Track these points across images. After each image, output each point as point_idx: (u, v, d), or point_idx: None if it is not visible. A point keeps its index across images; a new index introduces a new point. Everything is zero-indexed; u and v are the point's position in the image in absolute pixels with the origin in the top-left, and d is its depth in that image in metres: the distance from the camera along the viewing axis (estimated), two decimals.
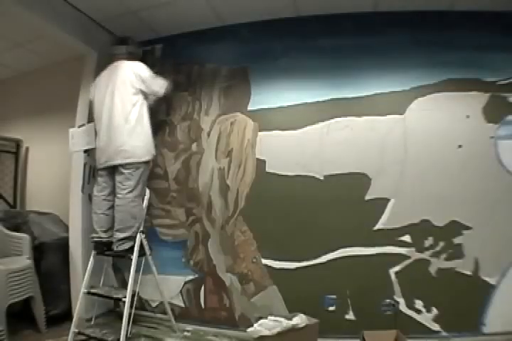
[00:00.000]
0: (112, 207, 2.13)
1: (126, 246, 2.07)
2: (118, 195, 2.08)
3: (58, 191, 2.86)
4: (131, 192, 2.07)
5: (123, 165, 2.07)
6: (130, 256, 2.07)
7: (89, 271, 2.14)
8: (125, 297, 1.97)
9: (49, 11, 2.18)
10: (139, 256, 2.11)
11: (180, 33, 2.70)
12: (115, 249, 2.09)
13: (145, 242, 2.17)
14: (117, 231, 2.07)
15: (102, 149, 2.14)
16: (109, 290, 2.19)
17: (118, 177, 2.10)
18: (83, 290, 2.11)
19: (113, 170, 2.14)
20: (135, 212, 2.09)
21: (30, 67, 3.33)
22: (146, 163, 2.18)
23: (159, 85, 2.26)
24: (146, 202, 2.27)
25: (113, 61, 2.26)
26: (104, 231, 2.14)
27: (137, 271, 2.08)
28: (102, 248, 2.15)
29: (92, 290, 2.13)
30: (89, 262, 2.17)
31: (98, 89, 2.22)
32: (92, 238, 2.17)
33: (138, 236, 2.11)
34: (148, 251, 2.21)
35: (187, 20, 2.54)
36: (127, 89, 2.11)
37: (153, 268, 2.25)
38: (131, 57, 2.29)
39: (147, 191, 2.31)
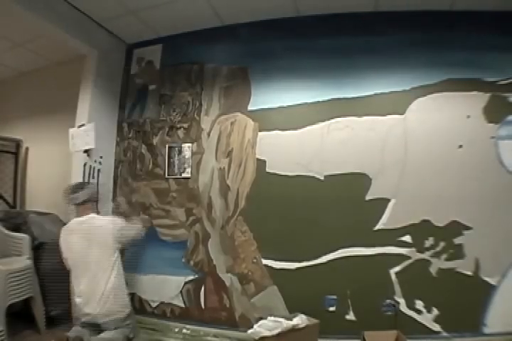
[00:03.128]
0: None
1: None
2: None
3: (58, 191, 2.84)
4: None
5: None
6: None
7: None
8: None
9: (49, 11, 2.19)
10: None
11: (180, 33, 2.70)
12: None
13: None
14: None
15: None
16: None
17: None
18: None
19: None
20: None
21: (30, 67, 3.33)
22: None
23: (137, 232, 2.09)
24: None
25: (77, 212, 2.04)
26: None
27: (137, 271, 2.08)
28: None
29: None
30: None
31: (72, 247, 1.95)
32: None
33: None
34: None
35: (187, 20, 2.54)
36: (107, 250, 1.91)
37: None
38: (93, 200, 2.11)
39: None
